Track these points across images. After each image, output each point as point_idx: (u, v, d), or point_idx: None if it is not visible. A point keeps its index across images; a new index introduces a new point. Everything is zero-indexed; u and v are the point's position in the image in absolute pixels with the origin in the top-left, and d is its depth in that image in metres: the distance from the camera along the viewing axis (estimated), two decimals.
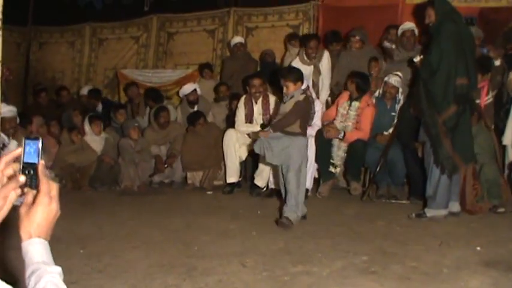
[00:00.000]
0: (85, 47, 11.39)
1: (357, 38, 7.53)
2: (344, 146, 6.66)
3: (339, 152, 6.65)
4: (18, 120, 7.17)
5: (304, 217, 5.31)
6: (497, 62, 6.68)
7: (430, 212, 5.37)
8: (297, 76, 5.29)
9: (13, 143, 6.58)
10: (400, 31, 7.35)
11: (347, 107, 6.73)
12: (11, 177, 1.38)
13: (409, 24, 7.34)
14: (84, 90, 9.68)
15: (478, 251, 4.23)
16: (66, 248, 4.17)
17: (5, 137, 6.56)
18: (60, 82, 11.13)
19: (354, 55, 7.51)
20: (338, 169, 6.72)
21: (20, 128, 7.17)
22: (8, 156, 1.39)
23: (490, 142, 5.88)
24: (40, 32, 11.79)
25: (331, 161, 6.68)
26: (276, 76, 5.86)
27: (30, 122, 7.85)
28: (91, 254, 4.13)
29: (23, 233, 1.35)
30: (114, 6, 10.82)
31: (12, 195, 1.35)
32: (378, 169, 6.35)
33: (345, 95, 6.88)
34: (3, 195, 1.34)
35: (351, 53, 7.58)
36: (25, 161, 1.38)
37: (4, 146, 6.40)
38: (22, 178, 1.36)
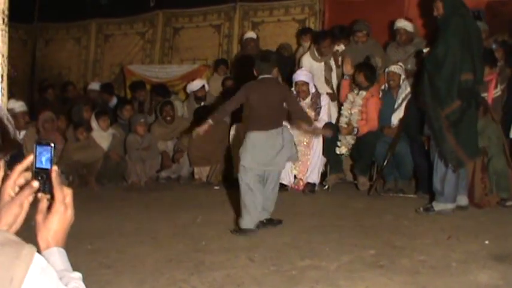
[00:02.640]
0: (91, 43, 11.38)
1: (364, 32, 7.45)
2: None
3: (347, 137, 6.62)
4: None
5: (279, 222, 4.99)
6: (500, 63, 6.62)
7: (438, 206, 5.35)
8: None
9: (22, 133, 6.76)
10: (395, 27, 7.30)
11: (355, 95, 6.71)
12: (23, 187, 1.39)
13: (401, 23, 7.26)
14: (93, 86, 9.65)
15: (486, 245, 4.22)
16: (74, 243, 4.14)
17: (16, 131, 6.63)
18: (67, 78, 11.13)
19: (358, 50, 7.41)
20: (343, 149, 6.67)
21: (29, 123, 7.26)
22: (22, 165, 1.40)
23: (499, 134, 5.84)
24: (46, 29, 11.78)
25: (338, 143, 6.64)
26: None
27: (36, 118, 7.84)
28: (99, 249, 4.15)
29: (41, 241, 1.38)
30: (120, 2, 10.82)
31: (26, 203, 1.37)
32: (385, 163, 6.32)
33: (348, 82, 6.90)
34: (19, 203, 1.36)
35: (355, 48, 7.48)
36: (37, 166, 1.38)
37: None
38: (36, 183, 1.37)
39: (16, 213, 1.35)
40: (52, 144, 1.40)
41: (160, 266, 3.73)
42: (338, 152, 6.67)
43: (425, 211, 5.38)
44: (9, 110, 6.16)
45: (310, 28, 8.87)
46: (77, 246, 4.15)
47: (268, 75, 4.99)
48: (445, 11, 5.27)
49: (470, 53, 5.18)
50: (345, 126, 6.63)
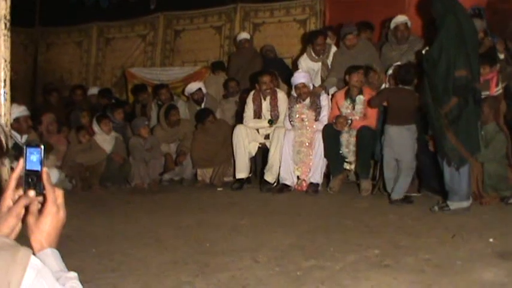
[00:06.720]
0: (92, 46, 11.41)
1: (354, 33, 7.35)
2: (353, 139, 6.58)
3: (350, 147, 6.57)
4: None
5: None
6: (501, 56, 6.62)
7: (453, 205, 5.30)
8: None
9: (24, 137, 6.79)
10: (393, 24, 7.24)
11: (350, 105, 6.66)
12: (19, 197, 1.39)
13: (402, 18, 7.23)
14: (93, 91, 9.67)
15: (491, 242, 4.21)
16: (78, 247, 4.18)
17: (17, 135, 6.67)
18: (69, 82, 11.17)
19: (350, 54, 7.30)
20: (353, 166, 6.67)
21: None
22: (16, 172, 1.40)
23: (504, 143, 5.79)
24: (47, 33, 11.82)
25: (346, 160, 6.62)
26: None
27: (40, 122, 7.85)
28: (103, 252, 4.14)
29: (35, 243, 1.38)
30: (121, 5, 10.82)
31: (23, 212, 1.38)
32: None
33: (340, 95, 6.81)
34: (16, 213, 1.37)
35: (347, 52, 7.36)
36: (28, 168, 1.38)
37: (17, 144, 6.48)
38: (32, 193, 1.37)
39: (13, 225, 1.36)
40: (42, 146, 1.40)
41: (165, 269, 3.73)
42: (347, 167, 6.68)
43: (440, 210, 5.35)
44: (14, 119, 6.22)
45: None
46: (82, 249, 4.16)
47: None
48: (439, 10, 5.29)
49: (464, 51, 5.19)
50: (340, 120, 6.58)
